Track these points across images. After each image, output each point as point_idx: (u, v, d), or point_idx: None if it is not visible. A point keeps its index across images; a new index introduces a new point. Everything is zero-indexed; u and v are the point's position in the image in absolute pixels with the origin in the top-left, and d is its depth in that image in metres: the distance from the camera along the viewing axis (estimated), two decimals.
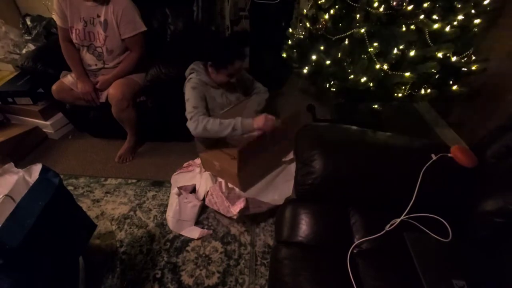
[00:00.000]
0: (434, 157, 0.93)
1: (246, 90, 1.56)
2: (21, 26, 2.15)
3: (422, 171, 0.90)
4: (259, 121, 1.24)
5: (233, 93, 1.46)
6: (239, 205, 1.24)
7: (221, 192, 1.26)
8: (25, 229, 0.68)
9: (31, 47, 1.98)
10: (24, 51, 1.99)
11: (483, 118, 1.69)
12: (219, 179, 1.34)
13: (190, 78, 1.35)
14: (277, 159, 1.39)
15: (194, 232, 1.33)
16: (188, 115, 1.29)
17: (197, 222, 1.38)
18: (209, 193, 1.29)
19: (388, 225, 0.87)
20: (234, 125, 1.25)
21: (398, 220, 0.87)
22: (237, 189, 1.30)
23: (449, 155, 0.95)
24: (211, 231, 1.34)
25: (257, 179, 1.34)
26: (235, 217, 1.25)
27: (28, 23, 2.09)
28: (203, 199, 1.34)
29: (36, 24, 2.05)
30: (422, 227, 0.87)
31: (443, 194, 0.94)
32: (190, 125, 1.28)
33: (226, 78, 1.31)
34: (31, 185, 0.74)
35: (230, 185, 1.31)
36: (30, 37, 2.03)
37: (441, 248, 0.85)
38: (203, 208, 1.41)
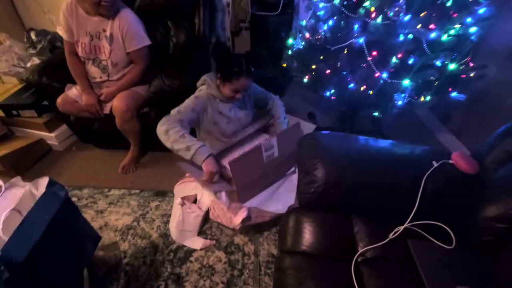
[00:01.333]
0: (435, 164, 0.94)
1: (259, 106, 1.57)
2: (25, 40, 2.19)
3: (424, 178, 0.91)
4: (207, 165, 1.18)
5: (242, 110, 1.46)
6: (241, 215, 1.23)
7: (222, 204, 1.27)
8: (31, 243, 0.68)
9: (36, 60, 2.01)
10: (28, 64, 2.03)
11: (483, 124, 1.70)
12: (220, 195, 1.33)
13: (200, 91, 1.36)
14: (280, 171, 1.40)
15: (197, 243, 1.32)
16: (170, 112, 1.26)
17: (200, 232, 1.38)
18: (211, 206, 1.29)
19: (392, 233, 0.88)
20: (188, 146, 1.16)
21: (402, 227, 0.88)
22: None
23: (451, 161, 0.95)
24: (214, 242, 1.34)
25: (257, 191, 1.34)
26: (238, 228, 1.25)
27: (33, 37, 2.14)
28: (206, 211, 1.35)
29: (41, 38, 2.09)
30: (426, 235, 0.87)
31: (446, 200, 0.94)
32: (160, 120, 1.23)
33: (231, 92, 1.30)
34: (37, 198, 0.75)
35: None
36: (35, 51, 2.07)
37: (445, 255, 0.85)
38: (206, 218, 1.41)
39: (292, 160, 1.38)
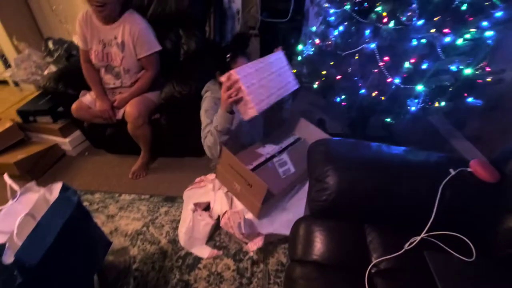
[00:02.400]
0: (452, 171, 0.90)
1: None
2: (43, 49, 2.27)
3: (440, 187, 0.87)
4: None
5: None
6: (258, 243, 1.23)
7: (240, 232, 1.21)
8: (44, 247, 0.69)
9: (53, 68, 2.08)
10: (46, 72, 2.10)
11: (501, 130, 1.64)
12: (238, 219, 1.24)
13: (205, 98, 1.37)
14: (294, 185, 1.37)
15: (204, 252, 1.31)
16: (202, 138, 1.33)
17: (209, 239, 1.37)
18: (226, 216, 1.25)
19: (408, 244, 0.84)
20: (214, 127, 1.22)
21: (418, 238, 0.84)
22: (255, 226, 1.25)
23: (469, 169, 0.92)
24: (220, 252, 1.31)
25: (274, 208, 1.31)
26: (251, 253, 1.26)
27: (50, 46, 2.21)
28: (217, 219, 1.33)
29: (58, 47, 2.16)
30: (444, 246, 0.84)
31: (464, 210, 0.90)
32: (204, 147, 1.33)
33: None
34: (51, 203, 0.76)
35: (248, 220, 1.25)
36: (52, 59, 2.14)
37: (465, 268, 0.81)
38: (216, 226, 1.39)
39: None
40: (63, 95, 1.67)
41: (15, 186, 0.80)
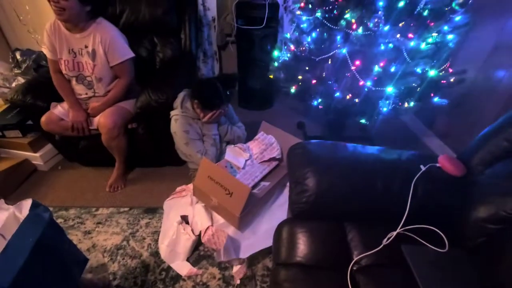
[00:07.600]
0: (423, 168, 0.95)
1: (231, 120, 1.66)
2: (10, 60, 2.17)
3: (413, 183, 0.92)
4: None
5: (220, 125, 1.56)
6: (242, 271, 1.22)
7: (219, 259, 1.20)
8: (16, 268, 0.65)
9: (21, 80, 1.98)
10: (13, 84, 2.00)
11: (467, 126, 1.76)
12: (223, 238, 1.20)
13: (177, 119, 1.44)
14: (272, 193, 1.38)
15: (183, 269, 1.26)
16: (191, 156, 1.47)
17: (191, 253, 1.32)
18: (210, 232, 1.20)
19: (385, 239, 0.88)
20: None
21: (395, 233, 0.88)
22: (238, 240, 1.24)
23: (437, 165, 0.97)
24: (200, 271, 1.26)
25: (254, 217, 1.30)
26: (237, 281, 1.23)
27: (18, 57, 2.11)
28: (198, 234, 1.27)
29: (26, 57, 2.07)
30: (419, 239, 0.88)
31: (436, 204, 0.95)
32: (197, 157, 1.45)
33: (209, 118, 1.42)
34: (21, 221, 0.72)
35: (231, 237, 1.23)
36: (19, 71, 2.04)
37: (439, 259, 0.85)
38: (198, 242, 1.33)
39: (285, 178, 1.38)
40: (32, 107, 1.59)
41: None
